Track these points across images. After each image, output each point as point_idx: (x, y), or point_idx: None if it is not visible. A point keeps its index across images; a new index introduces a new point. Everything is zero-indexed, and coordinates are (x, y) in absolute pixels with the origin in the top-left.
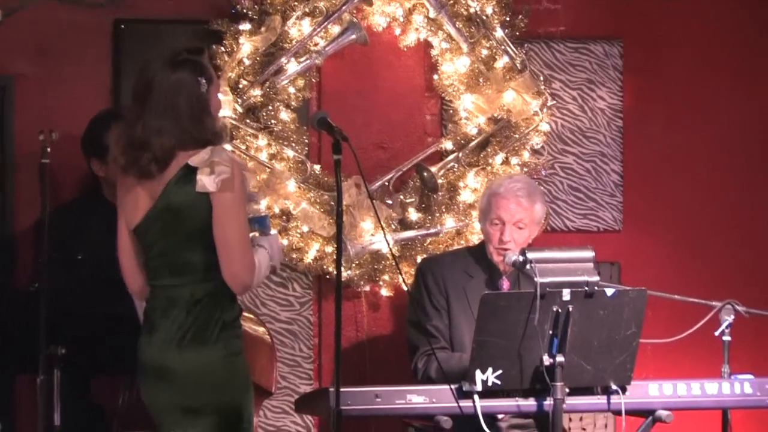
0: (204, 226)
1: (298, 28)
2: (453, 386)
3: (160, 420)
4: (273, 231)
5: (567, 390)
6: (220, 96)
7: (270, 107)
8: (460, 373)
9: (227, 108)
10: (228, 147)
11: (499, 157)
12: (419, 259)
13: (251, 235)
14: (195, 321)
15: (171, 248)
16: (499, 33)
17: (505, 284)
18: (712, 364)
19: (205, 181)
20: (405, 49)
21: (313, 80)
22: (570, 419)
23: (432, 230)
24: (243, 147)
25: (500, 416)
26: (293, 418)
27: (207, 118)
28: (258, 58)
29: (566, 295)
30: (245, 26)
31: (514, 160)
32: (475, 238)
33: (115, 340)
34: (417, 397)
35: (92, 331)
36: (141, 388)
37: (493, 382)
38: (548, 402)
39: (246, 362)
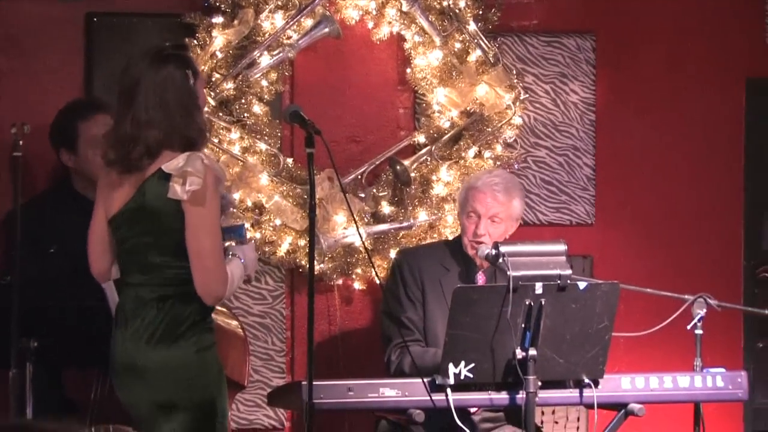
0: (175, 229)
1: (271, 21)
2: (426, 380)
3: (136, 416)
4: (248, 235)
5: (539, 383)
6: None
7: (243, 100)
8: (434, 368)
9: None
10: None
11: (472, 151)
12: (392, 253)
13: (227, 244)
14: (165, 317)
15: (141, 247)
16: (472, 26)
17: (481, 279)
18: (685, 358)
19: (177, 189)
20: (378, 43)
21: (286, 73)
22: (542, 413)
23: (405, 224)
24: (215, 140)
25: (473, 410)
26: (266, 411)
27: (196, 112)
28: (231, 52)
29: (539, 288)
30: (218, 19)
31: (486, 154)
32: (447, 232)
33: (87, 333)
34: (390, 391)
35: (64, 324)
36: (115, 385)
37: (465, 376)
38: (521, 395)
39: (218, 356)
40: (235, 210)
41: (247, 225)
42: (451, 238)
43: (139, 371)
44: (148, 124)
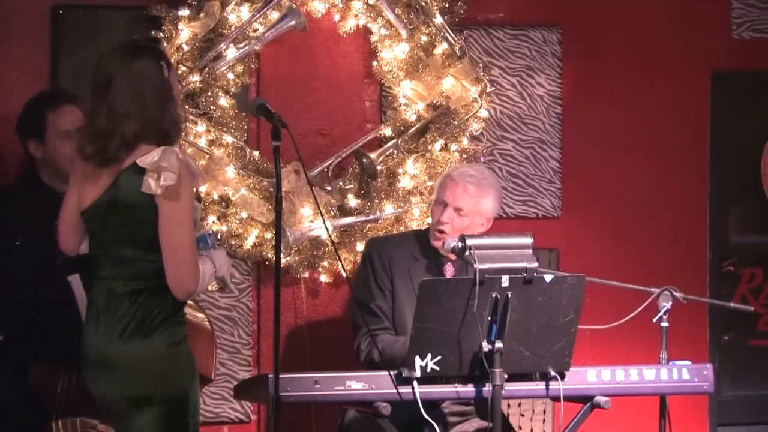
0: (148, 223)
1: (237, 14)
2: (392, 372)
3: (108, 409)
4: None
5: (506, 376)
6: None
7: (209, 93)
8: (403, 357)
9: None
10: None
11: (438, 144)
12: (359, 246)
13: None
14: (137, 311)
15: (114, 241)
16: (438, 19)
17: (450, 270)
18: (650, 350)
19: (151, 184)
20: (344, 36)
21: (252, 66)
22: (509, 405)
23: (371, 216)
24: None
25: (443, 403)
26: (232, 404)
27: (171, 103)
28: (197, 44)
29: (505, 281)
30: (184, 12)
31: (453, 147)
32: (414, 225)
33: (53, 327)
34: (356, 384)
35: (30, 317)
36: (87, 378)
37: (432, 369)
38: (487, 388)
39: (190, 349)
40: (199, 219)
41: (213, 230)
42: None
43: (112, 365)
44: (125, 116)
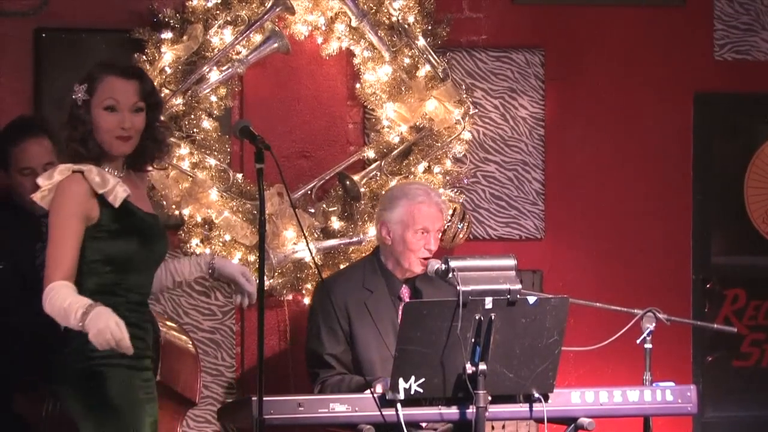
0: None
1: (220, 36)
2: (376, 395)
3: None
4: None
5: (489, 398)
6: None
7: (192, 116)
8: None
9: None
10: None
11: (422, 166)
12: (342, 268)
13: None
14: None
15: None
16: (421, 42)
17: (406, 293)
18: (634, 372)
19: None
20: (327, 58)
21: (235, 89)
22: (492, 427)
23: (354, 239)
24: None
25: (424, 425)
26: (216, 427)
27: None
28: (180, 67)
29: (488, 303)
30: (167, 35)
31: (436, 169)
32: None
33: (38, 351)
34: (340, 406)
35: (14, 341)
36: None
37: (415, 391)
38: (470, 410)
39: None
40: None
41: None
42: None
43: None
44: None
